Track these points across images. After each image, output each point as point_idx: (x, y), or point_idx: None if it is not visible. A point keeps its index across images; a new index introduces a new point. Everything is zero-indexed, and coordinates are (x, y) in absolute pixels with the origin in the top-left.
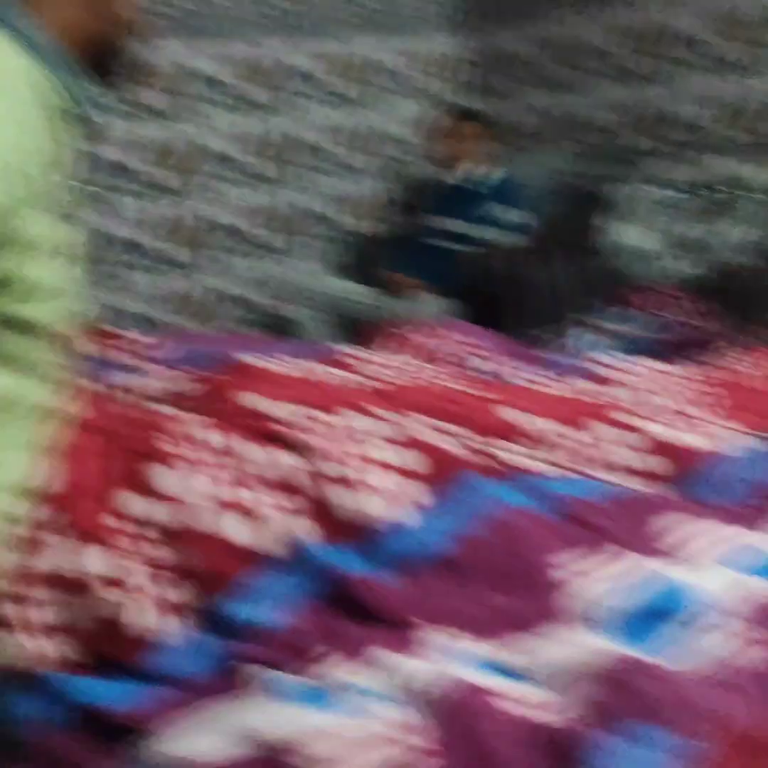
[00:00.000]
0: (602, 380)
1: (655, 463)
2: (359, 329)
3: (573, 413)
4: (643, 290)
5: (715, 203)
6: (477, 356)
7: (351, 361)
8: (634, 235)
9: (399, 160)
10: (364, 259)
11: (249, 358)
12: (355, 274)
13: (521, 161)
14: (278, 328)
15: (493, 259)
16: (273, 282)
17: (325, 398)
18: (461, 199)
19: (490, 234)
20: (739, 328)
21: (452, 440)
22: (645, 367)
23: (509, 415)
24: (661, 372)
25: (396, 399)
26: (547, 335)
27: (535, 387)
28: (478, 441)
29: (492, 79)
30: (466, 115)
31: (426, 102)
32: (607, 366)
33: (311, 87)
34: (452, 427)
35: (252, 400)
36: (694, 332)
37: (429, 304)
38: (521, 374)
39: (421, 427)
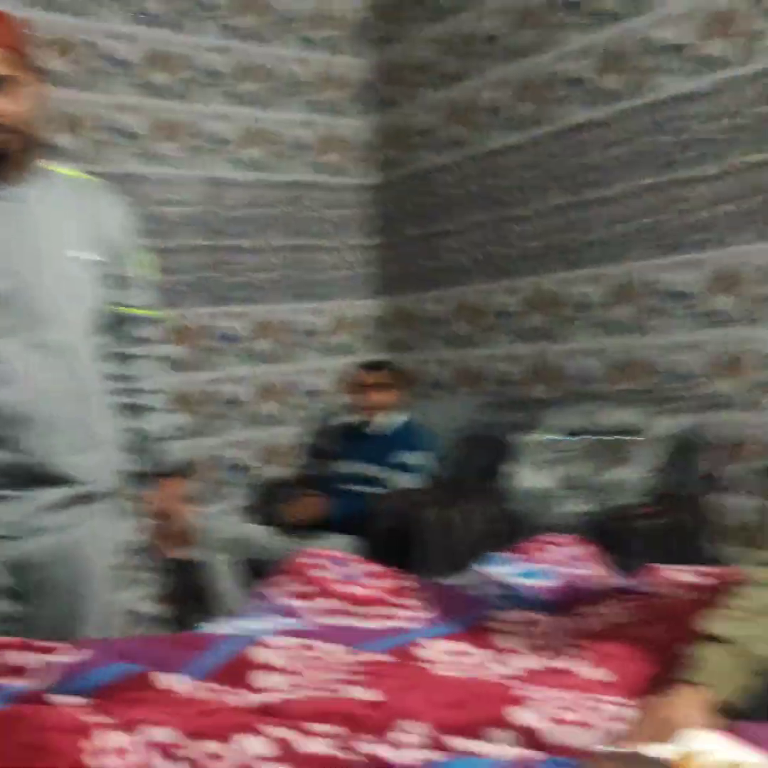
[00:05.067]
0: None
1: None
2: (267, 571)
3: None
4: (539, 536)
5: (608, 448)
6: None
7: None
8: (532, 479)
9: (312, 409)
10: (272, 502)
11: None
12: (264, 517)
13: (427, 409)
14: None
15: (398, 501)
16: None
17: (216, 725)
18: (369, 445)
19: (396, 478)
20: (628, 570)
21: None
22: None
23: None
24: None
25: (283, 712)
26: (456, 581)
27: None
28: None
29: (401, 334)
30: (376, 366)
31: (339, 355)
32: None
33: (230, 343)
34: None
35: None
36: (583, 582)
37: (339, 544)
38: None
39: (309, 740)
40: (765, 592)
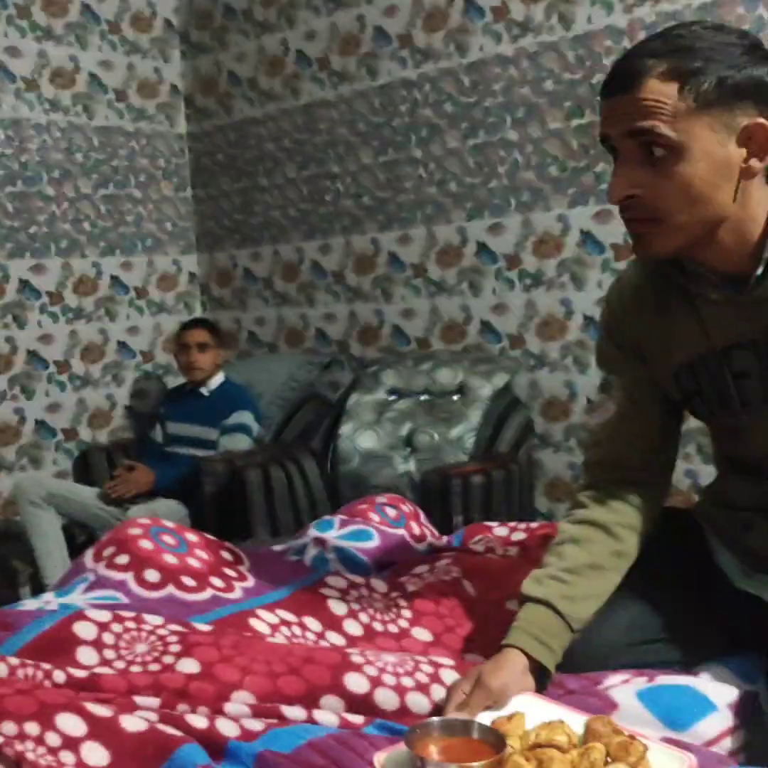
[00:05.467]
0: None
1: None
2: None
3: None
4: (365, 497)
5: (433, 408)
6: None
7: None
8: (359, 439)
9: (129, 369)
10: (94, 469)
11: None
12: (90, 483)
13: (249, 368)
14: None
15: (222, 464)
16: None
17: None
18: (193, 406)
19: (222, 439)
20: (452, 528)
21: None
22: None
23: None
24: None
25: (104, 687)
26: (282, 545)
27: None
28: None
29: (219, 291)
30: (195, 324)
31: (155, 313)
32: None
33: (36, 298)
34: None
35: None
36: (407, 542)
37: (167, 510)
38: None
39: (132, 716)
40: (579, 550)
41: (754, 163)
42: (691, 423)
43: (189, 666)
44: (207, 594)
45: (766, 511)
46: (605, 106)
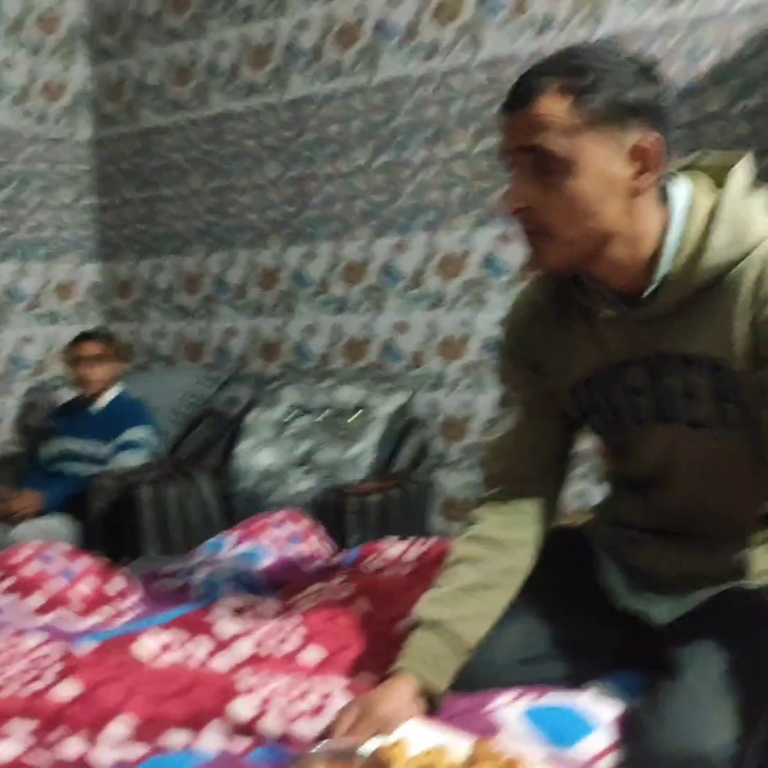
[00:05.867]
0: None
1: None
2: None
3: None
4: (260, 515)
5: (333, 425)
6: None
7: None
8: (258, 456)
9: (21, 381)
10: None
11: None
12: None
13: (146, 382)
14: None
15: (114, 480)
16: None
17: None
18: (87, 420)
19: (116, 455)
20: (349, 546)
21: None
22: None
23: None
24: None
25: None
26: (173, 565)
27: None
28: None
29: (118, 302)
30: (91, 336)
31: (50, 323)
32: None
33: None
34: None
35: None
36: (302, 560)
37: (56, 528)
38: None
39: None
40: (471, 569)
41: (644, 180)
42: (583, 444)
43: (69, 688)
44: (92, 621)
45: (654, 529)
46: (505, 120)
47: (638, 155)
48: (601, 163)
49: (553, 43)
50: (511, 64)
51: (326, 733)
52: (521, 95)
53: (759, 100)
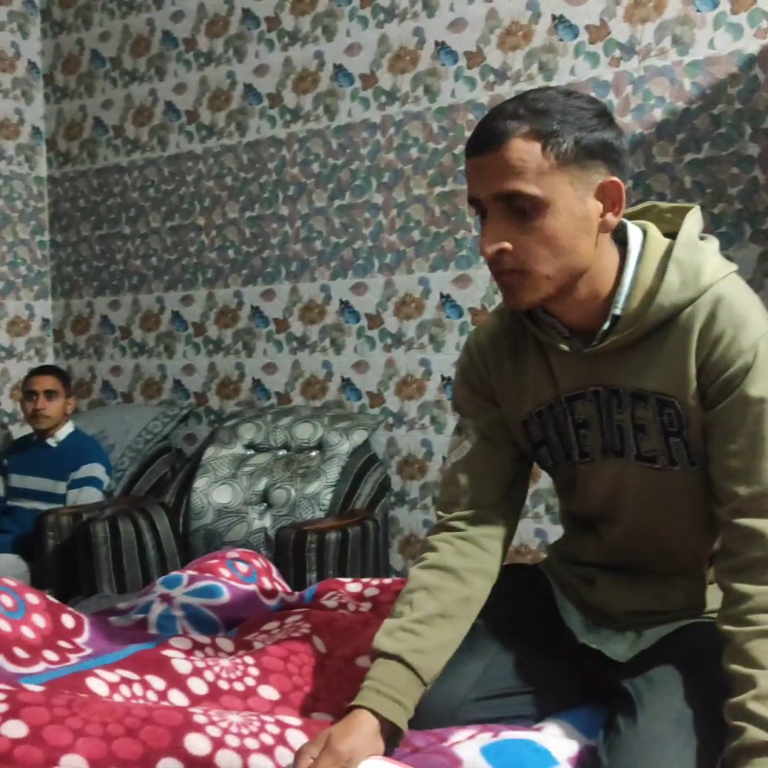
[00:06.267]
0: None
1: None
2: None
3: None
4: (216, 552)
5: (291, 463)
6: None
7: None
8: (214, 493)
9: None
10: None
11: None
12: None
13: (101, 419)
14: None
15: (67, 517)
16: None
17: None
18: (40, 457)
19: (70, 492)
20: (306, 583)
21: None
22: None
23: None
24: None
25: None
26: (128, 602)
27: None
28: None
29: (74, 339)
30: (44, 371)
31: (11, 360)
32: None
33: None
34: None
35: None
36: (258, 598)
37: (6, 565)
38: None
39: None
40: (429, 599)
41: (610, 217)
42: (541, 483)
43: (15, 728)
44: (39, 667)
45: (607, 566)
46: (472, 165)
47: (604, 194)
48: (572, 202)
49: (508, 92)
50: (466, 112)
51: None
52: (490, 139)
53: (704, 154)
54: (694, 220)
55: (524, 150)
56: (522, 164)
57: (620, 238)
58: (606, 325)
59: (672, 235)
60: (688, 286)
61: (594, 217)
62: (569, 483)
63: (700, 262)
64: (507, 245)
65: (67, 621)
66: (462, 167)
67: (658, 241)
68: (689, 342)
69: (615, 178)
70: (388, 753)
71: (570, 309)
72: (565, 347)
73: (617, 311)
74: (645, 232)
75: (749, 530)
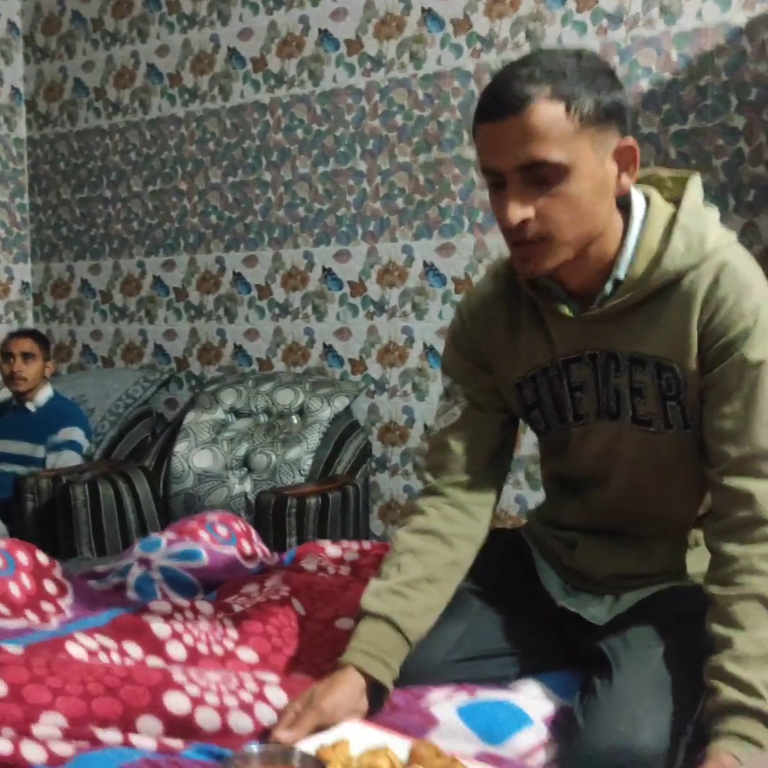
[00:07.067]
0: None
1: None
2: None
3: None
4: (196, 515)
5: (273, 428)
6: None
7: None
8: (195, 457)
9: None
10: None
11: None
12: None
13: (82, 382)
14: None
15: (46, 480)
16: None
17: None
18: (19, 420)
19: (50, 455)
20: (288, 547)
21: None
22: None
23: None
24: None
25: None
26: (107, 565)
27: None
28: None
29: (54, 302)
30: (22, 334)
31: None
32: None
33: None
34: None
35: None
36: (238, 561)
37: None
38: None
39: None
40: (417, 563)
41: (625, 179)
42: (523, 450)
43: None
44: (21, 624)
45: (590, 529)
46: (489, 132)
47: (620, 156)
48: (594, 165)
49: (494, 61)
50: (451, 80)
51: (264, 728)
52: (510, 103)
53: (690, 125)
54: (696, 188)
55: (549, 113)
56: (547, 128)
57: (621, 203)
58: (608, 289)
59: (672, 201)
60: (693, 252)
61: (611, 180)
62: (560, 446)
63: (704, 229)
64: (532, 213)
65: (51, 586)
66: (448, 135)
67: (662, 207)
68: (692, 307)
69: (630, 140)
70: (372, 712)
71: (574, 273)
72: (565, 311)
73: (620, 275)
74: (648, 198)
75: (738, 490)
